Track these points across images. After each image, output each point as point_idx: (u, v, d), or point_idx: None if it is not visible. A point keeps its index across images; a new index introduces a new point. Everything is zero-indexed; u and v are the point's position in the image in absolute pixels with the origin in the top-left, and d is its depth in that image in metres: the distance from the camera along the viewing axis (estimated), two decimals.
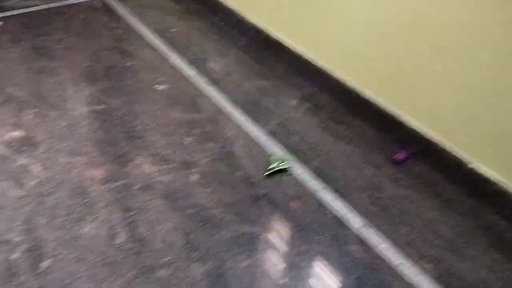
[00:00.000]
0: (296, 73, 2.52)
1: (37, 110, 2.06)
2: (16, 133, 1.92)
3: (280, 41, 2.68)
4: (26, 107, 2.07)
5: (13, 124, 1.97)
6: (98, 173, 1.80)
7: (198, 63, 2.54)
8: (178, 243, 1.58)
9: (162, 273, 1.47)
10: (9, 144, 1.87)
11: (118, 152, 1.91)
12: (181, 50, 2.64)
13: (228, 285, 1.47)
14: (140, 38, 2.73)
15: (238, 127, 2.12)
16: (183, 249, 1.56)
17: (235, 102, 2.27)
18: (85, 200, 1.69)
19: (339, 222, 1.72)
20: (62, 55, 2.48)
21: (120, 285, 1.42)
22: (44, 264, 1.46)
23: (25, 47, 2.51)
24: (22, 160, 1.81)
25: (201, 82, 2.39)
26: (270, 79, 2.47)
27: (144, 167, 1.86)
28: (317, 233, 1.67)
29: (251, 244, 1.61)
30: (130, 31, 2.79)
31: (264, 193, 1.80)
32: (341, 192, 1.83)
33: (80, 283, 1.42)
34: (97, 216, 1.63)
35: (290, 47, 2.63)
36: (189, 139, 2.03)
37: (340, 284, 1.52)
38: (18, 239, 1.53)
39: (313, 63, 2.50)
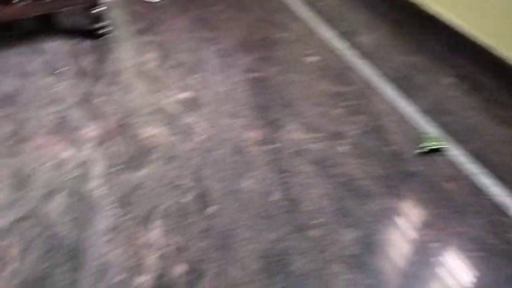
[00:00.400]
0: (453, 50, 2.38)
1: (201, 74, 2.28)
2: (185, 94, 2.15)
3: (436, 15, 2.55)
4: (192, 72, 2.30)
5: (182, 86, 2.20)
6: (254, 135, 1.95)
7: (348, 36, 2.54)
8: (329, 208, 1.64)
9: (315, 233, 1.56)
10: (180, 103, 2.10)
11: (271, 118, 2.03)
12: (331, 23, 2.66)
13: (377, 254, 1.50)
14: (291, 10, 2.82)
15: (389, 102, 2.09)
16: (333, 214, 1.62)
17: (386, 77, 2.24)
18: (244, 158, 1.84)
19: (498, 208, 1.62)
20: (222, 25, 2.68)
21: (276, 238, 1.55)
22: (210, 209, 1.65)
23: (190, 17, 2.76)
24: (190, 118, 2.03)
25: (351, 55, 2.40)
26: (424, 55, 2.37)
27: (295, 133, 1.95)
28: (472, 217, 1.60)
29: (400, 218, 1.61)
30: (282, 4, 2.89)
31: (415, 170, 1.77)
32: (502, 177, 1.72)
33: (241, 230, 1.57)
34: (254, 174, 1.78)
35: (447, 22, 2.48)
36: (338, 110, 2.06)
37: (496, 273, 1.44)
38: (188, 185, 1.74)
39: (473, 40, 2.34)
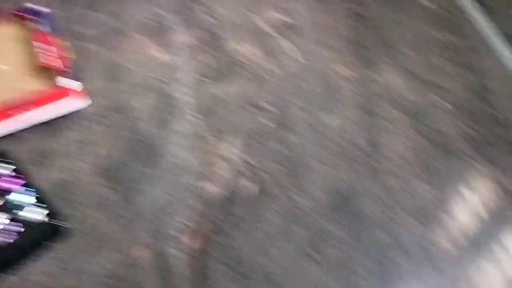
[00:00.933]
0: None
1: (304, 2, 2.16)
2: (283, 17, 2.05)
3: None
4: None
5: (281, 8, 2.10)
6: (346, 71, 1.85)
7: None
8: (411, 160, 1.56)
9: (391, 181, 1.51)
10: (276, 25, 2.02)
11: (367, 56, 1.91)
12: None
13: (451, 215, 1.42)
14: None
15: (503, 65, 1.88)
16: (414, 166, 1.55)
17: (507, 35, 2.00)
18: (332, 94, 1.77)
19: None
20: None
21: (352, 178, 1.51)
22: (290, 137, 1.62)
23: None
24: (284, 42, 1.95)
25: (470, 6, 2.15)
26: None
27: (391, 77, 1.83)
28: None
29: (486, 184, 1.50)
30: None
31: None
32: None
33: (320, 165, 1.54)
34: (340, 111, 1.71)
35: None
36: (443, 62, 1.89)
37: None
38: (271, 109, 1.70)
39: None
